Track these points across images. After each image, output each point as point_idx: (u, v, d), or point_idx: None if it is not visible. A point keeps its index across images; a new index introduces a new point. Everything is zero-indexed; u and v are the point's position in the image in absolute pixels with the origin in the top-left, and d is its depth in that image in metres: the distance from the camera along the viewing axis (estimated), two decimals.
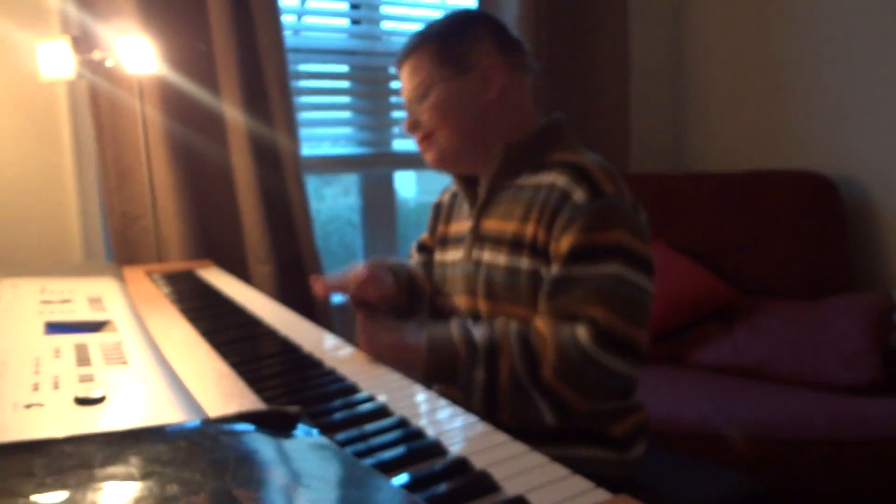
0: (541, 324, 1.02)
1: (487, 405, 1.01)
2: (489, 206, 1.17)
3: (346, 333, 1.21)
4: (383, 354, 1.02)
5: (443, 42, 1.16)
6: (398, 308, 1.25)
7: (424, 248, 1.38)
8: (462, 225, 1.23)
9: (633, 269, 1.01)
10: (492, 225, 1.15)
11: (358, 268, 1.19)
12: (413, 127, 1.20)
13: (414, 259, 1.40)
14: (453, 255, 1.24)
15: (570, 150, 1.13)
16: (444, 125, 1.16)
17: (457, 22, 1.19)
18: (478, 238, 1.17)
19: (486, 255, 1.14)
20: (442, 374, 1.05)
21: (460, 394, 1.04)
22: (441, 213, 1.32)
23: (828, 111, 2.49)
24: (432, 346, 1.05)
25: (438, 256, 1.29)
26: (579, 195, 1.03)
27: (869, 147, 2.39)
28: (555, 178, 1.07)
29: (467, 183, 1.22)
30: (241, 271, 1.94)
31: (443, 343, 1.05)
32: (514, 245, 1.10)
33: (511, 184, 1.15)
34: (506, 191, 1.15)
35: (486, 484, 0.57)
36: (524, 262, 1.08)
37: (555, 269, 1.04)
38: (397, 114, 2.47)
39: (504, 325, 1.04)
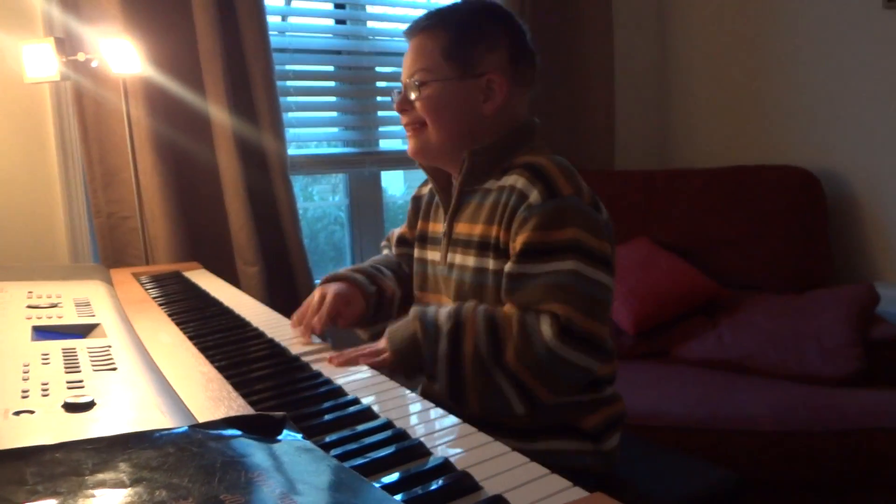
0: (508, 308, 1.04)
1: (452, 387, 1.01)
2: (460, 210, 1.18)
3: (333, 335, 1.22)
4: (356, 355, 1.04)
5: (459, 36, 1.13)
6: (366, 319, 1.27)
7: (405, 242, 1.38)
8: (439, 226, 1.25)
9: (590, 265, 1.02)
10: (462, 228, 1.17)
11: (324, 299, 1.19)
12: (403, 107, 1.18)
13: (393, 252, 1.40)
14: (433, 255, 1.25)
15: (537, 151, 1.13)
16: (436, 123, 1.15)
17: (480, 19, 1.16)
18: (451, 242, 1.19)
19: (458, 258, 1.16)
20: (406, 353, 1.04)
21: (432, 382, 1.04)
22: (420, 207, 1.32)
23: (810, 107, 2.52)
24: (392, 330, 1.06)
25: (418, 253, 1.30)
26: (535, 195, 1.04)
27: (851, 142, 2.42)
28: (515, 180, 1.08)
29: (441, 184, 1.23)
30: (228, 272, 1.94)
31: (401, 325, 1.06)
32: (481, 247, 1.12)
33: (479, 188, 1.16)
34: (474, 195, 1.16)
35: (467, 484, 0.58)
36: (490, 263, 1.10)
37: (509, 266, 1.05)
38: (383, 113, 2.48)
39: (473, 305, 1.05)
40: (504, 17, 1.18)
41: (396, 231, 1.43)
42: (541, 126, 1.21)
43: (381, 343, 1.07)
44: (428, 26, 1.16)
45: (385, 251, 1.44)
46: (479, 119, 1.14)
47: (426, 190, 1.33)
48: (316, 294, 1.21)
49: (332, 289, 1.21)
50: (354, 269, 1.30)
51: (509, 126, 1.16)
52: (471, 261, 1.13)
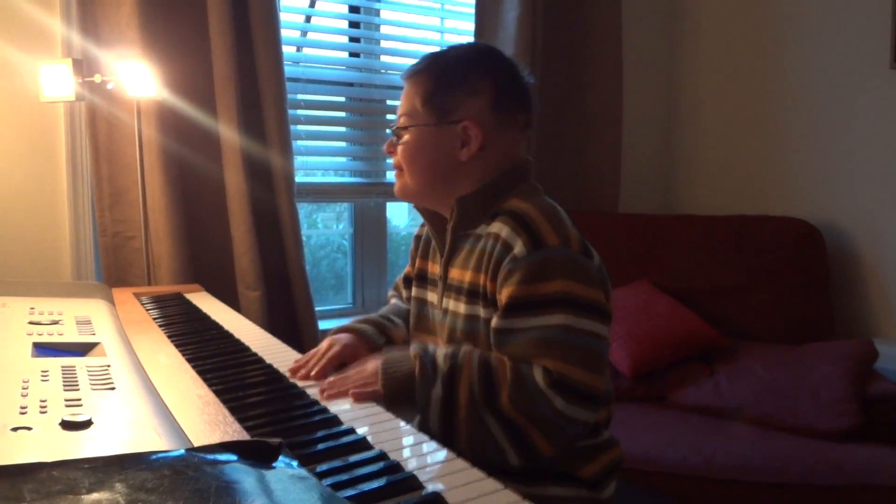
0: (503, 355, 1.03)
1: (445, 427, 0.99)
2: (453, 255, 1.17)
3: None
4: (346, 386, 1.03)
5: (439, 82, 1.14)
6: None
7: (411, 284, 1.35)
8: (436, 267, 1.24)
9: (580, 317, 1.00)
10: (455, 274, 1.16)
11: (330, 350, 1.16)
12: (390, 149, 1.20)
13: (403, 294, 1.39)
14: (431, 296, 1.25)
15: (526, 195, 1.11)
16: (410, 169, 1.16)
17: (465, 64, 1.16)
18: (446, 286, 1.18)
19: (451, 304, 1.15)
20: (399, 390, 1.02)
21: (420, 416, 1.02)
22: (420, 246, 1.32)
23: (816, 161, 2.55)
24: (388, 363, 1.04)
25: (416, 292, 1.29)
26: (519, 246, 1.03)
27: (855, 197, 2.44)
28: (500, 228, 1.07)
29: (435, 227, 1.22)
30: (229, 295, 1.95)
31: (400, 359, 1.04)
32: (471, 294, 1.11)
33: (472, 233, 1.15)
34: (467, 240, 1.15)
35: None
36: (481, 311, 1.09)
37: (495, 320, 1.04)
38: None
39: (470, 349, 1.04)
40: (492, 63, 1.17)
41: (401, 276, 1.42)
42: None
43: (372, 369, 1.05)
44: (417, 71, 1.17)
45: (394, 300, 1.42)
46: (455, 165, 1.14)
47: (426, 229, 1.32)
48: (324, 343, 1.19)
49: (341, 341, 1.19)
50: (363, 320, 1.28)
51: (497, 170, 1.14)
52: (462, 307, 1.12)
